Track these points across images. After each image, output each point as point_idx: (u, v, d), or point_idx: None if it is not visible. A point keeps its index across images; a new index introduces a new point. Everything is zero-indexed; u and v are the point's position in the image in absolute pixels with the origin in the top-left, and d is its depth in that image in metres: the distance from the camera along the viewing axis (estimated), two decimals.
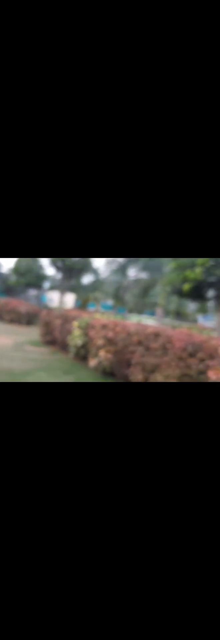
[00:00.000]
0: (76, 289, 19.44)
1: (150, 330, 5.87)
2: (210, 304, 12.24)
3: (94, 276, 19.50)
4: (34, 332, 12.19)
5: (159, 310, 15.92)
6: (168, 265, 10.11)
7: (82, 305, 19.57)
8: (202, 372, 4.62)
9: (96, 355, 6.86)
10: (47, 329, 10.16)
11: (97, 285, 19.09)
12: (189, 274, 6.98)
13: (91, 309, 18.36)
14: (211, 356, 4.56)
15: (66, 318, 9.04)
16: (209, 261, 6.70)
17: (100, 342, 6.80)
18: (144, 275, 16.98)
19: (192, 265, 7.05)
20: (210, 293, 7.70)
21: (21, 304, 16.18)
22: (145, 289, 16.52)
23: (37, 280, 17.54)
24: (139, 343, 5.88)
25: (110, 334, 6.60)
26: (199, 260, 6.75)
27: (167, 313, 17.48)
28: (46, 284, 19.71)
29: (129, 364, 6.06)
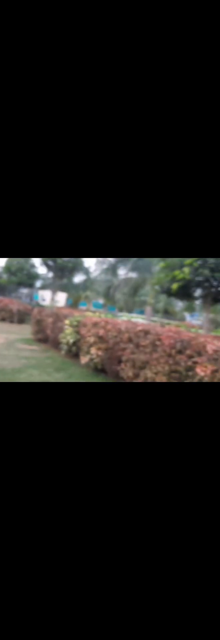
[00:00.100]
0: (68, 287, 19.45)
1: (140, 328, 6.00)
2: (197, 303, 12.52)
3: (85, 275, 19.56)
4: (25, 331, 12.18)
5: (148, 309, 16.14)
6: (157, 265, 10.30)
7: (73, 303, 19.64)
8: (191, 369, 4.71)
9: (88, 352, 6.99)
10: (39, 327, 10.23)
11: (88, 284, 19.17)
12: (178, 273, 7.15)
13: (82, 307, 18.47)
14: (199, 353, 4.66)
15: (58, 316, 9.15)
16: (197, 261, 6.87)
17: (91, 339, 6.93)
18: (133, 275, 17.16)
19: (181, 266, 7.22)
20: (198, 292, 7.91)
21: (13, 303, 16.12)
22: (135, 288, 16.67)
23: (28, 279, 17.47)
24: (129, 340, 6.00)
25: (101, 332, 6.72)
26: (187, 260, 6.91)
27: (155, 311, 17.72)
28: (38, 283, 19.65)
29: (119, 361, 6.19)
